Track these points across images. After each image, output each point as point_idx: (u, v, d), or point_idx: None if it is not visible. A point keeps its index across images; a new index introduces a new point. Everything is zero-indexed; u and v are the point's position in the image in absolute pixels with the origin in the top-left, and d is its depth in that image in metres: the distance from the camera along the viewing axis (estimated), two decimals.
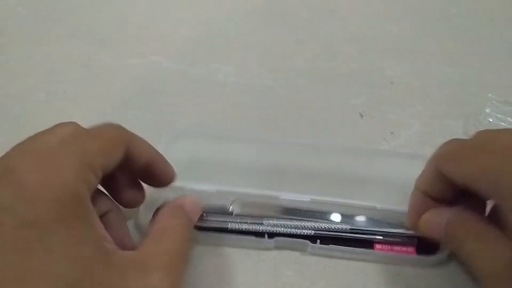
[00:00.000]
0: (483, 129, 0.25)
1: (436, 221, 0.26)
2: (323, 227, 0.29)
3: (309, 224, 0.29)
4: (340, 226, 0.29)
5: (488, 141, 0.23)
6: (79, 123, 0.23)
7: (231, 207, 0.30)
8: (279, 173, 0.33)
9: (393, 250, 0.29)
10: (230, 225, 0.29)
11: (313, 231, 0.29)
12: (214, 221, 0.29)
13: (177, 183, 0.27)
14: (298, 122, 0.38)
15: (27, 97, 0.39)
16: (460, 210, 0.25)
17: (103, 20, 0.49)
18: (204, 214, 0.29)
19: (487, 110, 0.38)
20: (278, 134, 0.37)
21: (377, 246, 0.29)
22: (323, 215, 0.30)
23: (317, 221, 0.29)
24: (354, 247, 0.29)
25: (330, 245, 0.29)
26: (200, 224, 0.29)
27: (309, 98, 0.41)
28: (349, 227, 0.29)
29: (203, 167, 0.33)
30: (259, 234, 0.29)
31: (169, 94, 0.40)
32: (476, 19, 0.51)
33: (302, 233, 0.29)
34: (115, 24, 0.49)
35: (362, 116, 0.38)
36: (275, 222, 0.29)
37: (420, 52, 0.47)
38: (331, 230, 0.29)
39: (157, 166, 0.25)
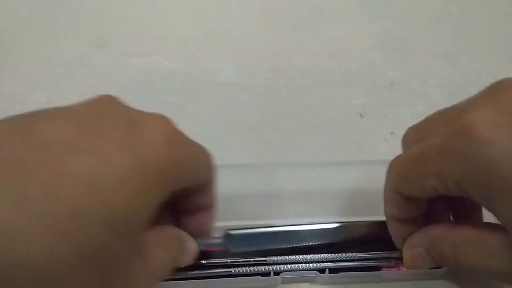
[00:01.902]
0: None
1: (416, 253, 0.24)
2: (330, 258, 0.28)
3: (315, 256, 0.28)
4: (347, 255, 0.28)
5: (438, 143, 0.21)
6: None
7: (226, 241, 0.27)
8: (272, 197, 0.32)
9: (400, 269, 0.28)
10: (234, 270, 0.28)
11: (321, 263, 0.28)
12: (216, 265, 0.28)
13: None
14: (298, 122, 0.38)
15: (27, 97, 0.39)
16: (428, 230, 0.24)
17: (103, 20, 0.49)
18: (203, 262, 0.27)
19: None
20: (278, 135, 0.37)
21: (384, 269, 0.28)
22: (325, 239, 0.28)
23: (321, 251, 0.28)
24: (362, 271, 0.28)
25: (340, 273, 0.28)
26: (202, 272, 0.27)
27: (309, 98, 0.41)
28: (356, 254, 0.28)
29: None
30: (264, 273, 0.28)
31: (169, 94, 0.40)
32: (476, 19, 0.51)
33: (309, 267, 0.28)
34: (115, 24, 0.49)
35: (362, 116, 0.38)
36: (279, 258, 0.28)
37: (420, 52, 0.47)
38: (338, 260, 0.28)
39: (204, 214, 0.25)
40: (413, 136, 0.25)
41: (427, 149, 0.22)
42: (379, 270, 0.28)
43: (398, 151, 0.27)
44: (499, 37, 0.49)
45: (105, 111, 0.20)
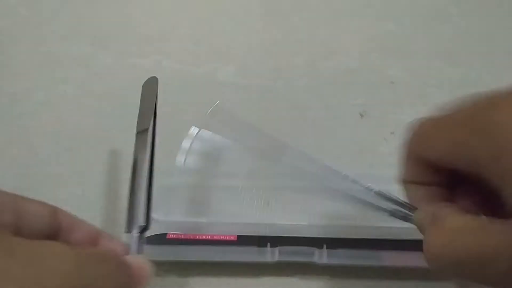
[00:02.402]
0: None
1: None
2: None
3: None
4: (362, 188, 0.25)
5: (466, 116, 0.20)
6: (79, 123, 0.23)
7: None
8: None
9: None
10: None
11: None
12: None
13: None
14: (298, 122, 0.38)
15: (27, 97, 0.39)
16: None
17: (103, 20, 0.49)
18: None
19: None
20: (277, 135, 0.37)
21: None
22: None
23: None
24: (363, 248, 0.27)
25: (338, 249, 0.27)
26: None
27: (309, 98, 0.41)
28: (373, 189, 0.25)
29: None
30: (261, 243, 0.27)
31: (169, 94, 0.40)
32: (476, 19, 0.51)
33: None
34: (115, 24, 0.49)
35: (362, 116, 0.38)
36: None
37: (420, 52, 0.47)
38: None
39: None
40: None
41: (456, 118, 0.21)
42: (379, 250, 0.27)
43: (398, 151, 0.27)
44: (499, 37, 0.49)
45: None
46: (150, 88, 0.31)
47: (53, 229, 0.21)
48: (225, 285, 0.29)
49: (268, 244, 0.27)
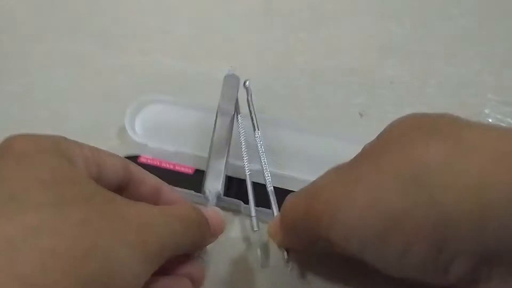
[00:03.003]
0: None
1: (275, 219, 0.26)
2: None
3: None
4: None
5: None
6: (79, 122, 0.23)
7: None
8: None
9: None
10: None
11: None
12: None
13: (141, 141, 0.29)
14: (298, 122, 0.38)
15: (27, 96, 0.39)
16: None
17: (103, 19, 0.49)
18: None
19: (487, 111, 0.38)
20: (277, 134, 0.37)
21: None
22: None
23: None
24: None
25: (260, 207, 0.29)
26: None
27: (309, 97, 0.41)
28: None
29: (164, 130, 0.35)
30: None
31: (169, 93, 0.40)
32: (476, 19, 0.51)
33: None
34: (115, 23, 0.49)
35: (362, 116, 0.38)
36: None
37: (420, 52, 0.47)
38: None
39: (164, 194, 0.25)
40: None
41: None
42: None
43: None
44: (499, 37, 0.49)
45: None
46: (232, 81, 0.34)
47: (125, 180, 0.23)
48: None
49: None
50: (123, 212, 0.19)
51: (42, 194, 0.17)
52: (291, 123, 0.36)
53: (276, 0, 0.54)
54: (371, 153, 0.22)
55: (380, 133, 0.24)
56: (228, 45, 0.46)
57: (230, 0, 0.53)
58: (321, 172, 0.24)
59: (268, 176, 0.29)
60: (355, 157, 0.23)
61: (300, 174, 0.31)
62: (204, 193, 0.28)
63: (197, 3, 0.52)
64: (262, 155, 0.30)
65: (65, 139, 0.21)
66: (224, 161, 0.29)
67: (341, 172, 0.23)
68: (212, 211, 0.24)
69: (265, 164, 0.30)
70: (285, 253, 0.26)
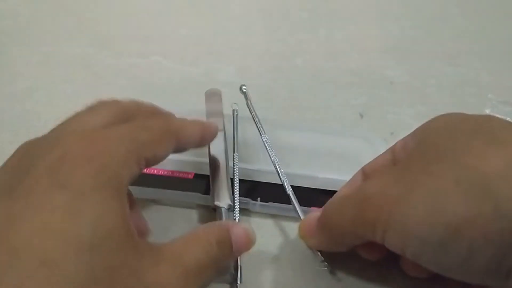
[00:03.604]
0: None
1: (311, 219, 0.26)
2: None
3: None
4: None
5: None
6: None
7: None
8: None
9: None
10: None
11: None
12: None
13: None
14: (298, 122, 0.38)
15: (27, 97, 0.39)
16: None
17: (103, 20, 0.49)
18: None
19: (487, 111, 0.38)
20: (277, 134, 0.37)
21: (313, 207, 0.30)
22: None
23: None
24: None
25: (269, 203, 0.30)
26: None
27: (309, 98, 0.41)
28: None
29: None
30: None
31: (169, 94, 0.40)
32: (476, 19, 0.51)
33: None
34: (115, 24, 0.49)
35: (362, 116, 0.38)
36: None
37: (420, 52, 0.47)
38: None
39: (205, 141, 0.27)
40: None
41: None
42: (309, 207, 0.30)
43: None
44: (499, 37, 0.49)
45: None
46: (214, 96, 0.35)
47: (201, 144, 0.26)
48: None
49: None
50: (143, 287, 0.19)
51: (74, 264, 0.17)
52: (286, 122, 0.37)
53: (276, 2, 0.54)
54: (422, 157, 0.22)
55: (419, 131, 0.24)
56: (228, 47, 0.46)
57: (230, 2, 0.53)
58: (324, 166, 0.25)
59: (286, 180, 0.29)
60: (405, 161, 0.24)
61: (303, 171, 0.32)
62: (216, 210, 0.28)
63: (197, 5, 0.52)
64: (274, 158, 0.30)
65: (136, 153, 0.22)
66: (226, 173, 0.30)
67: (391, 177, 0.22)
68: (242, 231, 0.24)
69: (279, 166, 0.30)
70: (319, 253, 0.26)
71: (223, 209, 0.28)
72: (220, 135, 0.30)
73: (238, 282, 0.25)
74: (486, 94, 0.41)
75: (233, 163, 0.31)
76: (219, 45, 0.47)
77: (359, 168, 0.28)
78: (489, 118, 0.22)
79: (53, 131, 0.22)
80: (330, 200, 0.26)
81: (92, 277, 0.17)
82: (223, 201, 0.28)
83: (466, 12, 0.52)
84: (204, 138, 0.27)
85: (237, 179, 0.30)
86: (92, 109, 0.23)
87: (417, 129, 0.25)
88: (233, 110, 0.34)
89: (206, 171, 0.30)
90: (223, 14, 0.51)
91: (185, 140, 0.25)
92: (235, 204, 0.29)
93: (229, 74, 0.43)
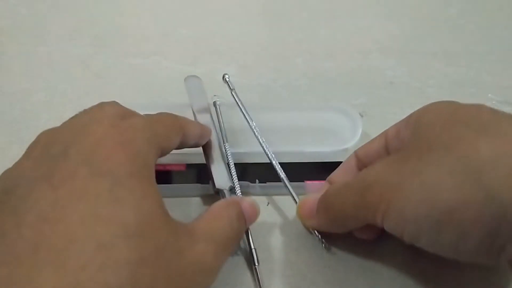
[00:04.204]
0: None
1: (310, 201, 0.28)
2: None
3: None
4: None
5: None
6: None
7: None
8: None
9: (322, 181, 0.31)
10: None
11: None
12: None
13: None
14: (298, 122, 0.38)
15: (27, 97, 0.39)
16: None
17: (103, 20, 0.49)
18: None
19: None
20: (277, 134, 0.37)
21: (307, 181, 0.32)
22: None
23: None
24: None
25: (268, 183, 0.31)
26: None
27: (309, 98, 0.41)
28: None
29: None
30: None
31: (169, 94, 0.40)
32: (476, 19, 0.51)
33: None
34: (115, 24, 0.49)
35: (362, 116, 0.38)
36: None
37: (420, 52, 0.47)
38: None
39: (202, 141, 0.29)
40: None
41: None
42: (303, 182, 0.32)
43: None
44: (499, 37, 0.49)
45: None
46: (194, 82, 0.36)
47: (199, 143, 0.29)
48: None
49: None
50: (183, 267, 0.20)
51: (125, 248, 0.18)
52: (266, 104, 0.39)
53: (276, 1, 0.54)
54: (417, 148, 0.24)
55: (412, 119, 0.26)
56: (227, 47, 0.46)
57: (229, 2, 0.53)
58: (308, 141, 0.32)
59: (277, 163, 0.31)
60: (401, 150, 0.25)
61: (290, 148, 0.34)
62: (219, 192, 0.30)
63: (196, 5, 0.52)
64: (265, 145, 0.31)
65: (157, 145, 0.23)
66: (221, 157, 0.31)
67: (390, 167, 0.24)
68: (248, 204, 0.26)
69: (268, 150, 0.31)
70: (316, 232, 0.28)
71: (225, 191, 0.29)
72: (208, 122, 0.32)
73: (256, 264, 0.27)
74: (486, 94, 0.41)
75: (226, 152, 0.32)
76: (219, 45, 0.47)
77: (338, 138, 0.32)
78: (479, 108, 0.24)
79: (72, 121, 0.23)
80: (332, 186, 0.28)
81: (142, 260, 0.18)
82: (224, 184, 0.29)
83: (465, 12, 0.52)
84: (202, 137, 0.29)
85: (233, 165, 0.31)
86: (100, 105, 0.24)
87: (409, 116, 0.26)
88: (214, 102, 0.35)
89: (197, 160, 0.32)
90: (223, 14, 0.51)
91: (189, 136, 0.27)
92: (236, 189, 0.30)
93: (229, 74, 0.43)
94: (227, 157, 0.31)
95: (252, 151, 0.33)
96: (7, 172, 0.21)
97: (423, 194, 0.21)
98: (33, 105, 0.39)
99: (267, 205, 0.32)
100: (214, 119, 0.34)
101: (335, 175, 0.30)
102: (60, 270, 0.16)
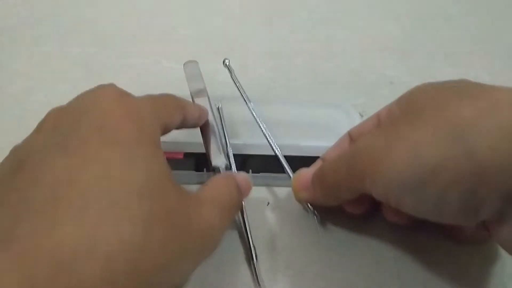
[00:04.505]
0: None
1: (304, 175, 0.29)
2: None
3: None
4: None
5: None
6: None
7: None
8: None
9: None
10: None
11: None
12: None
13: None
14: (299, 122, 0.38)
15: (27, 97, 0.39)
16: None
17: (103, 20, 0.49)
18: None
19: None
20: (277, 134, 0.37)
21: None
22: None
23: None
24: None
25: (260, 173, 0.32)
26: None
27: (309, 98, 0.41)
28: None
29: None
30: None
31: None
32: (476, 19, 0.51)
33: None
34: (115, 24, 0.49)
35: (362, 116, 0.38)
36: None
37: (420, 52, 0.47)
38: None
39: (200, 122, 0.30)
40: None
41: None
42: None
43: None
44: (499, 37, 0.49)
45: None
46: (193, 67, 0.37)
47: (197, 124, 0.30)
48: None
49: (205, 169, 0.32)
50: (192, 225, 0.21)
51: (136, 206, 0.19)
52: (264, 98, 0.39)
53: (276, 2, 0.54)
54: (406, 115, 0.25)
55: (403, 98, 0.27)
56: (227, 47, 0.46)
57: (230, 2, 0.53)
58: (304, 135, 0.32)
59: (273, 141, 0.32)
60: (392, 112, 0.27)
61: (287, 141, 0.34)
62: (214, 169, 0.31)
63: (196, 5, 0.52)
64: (261, 124, 0.33)
65: (160, 116, 0.25)
66: (218, 137, 0.32)
67: (379, 134, 0.25)
68: (243, 178, 0.27)
69: (266, 131, 0.32)
70: (309, 205, 0.29)
71: (221, 169, 0.30)
72: (206, 104, 0.33)
73: (255, 260, 0.28)
74: None
75: (228, 156, 0.33)
76: (219, 45, 0.47)
77: (336, 133, 0.32)
78: (464, 80, 0.25)
79: (78, 99, 0.24)
80: (326, 160, 0.29)
81: (153, 218, 0.19)
82: (220, 161, 0.31)
83: (466, 12, 0.52)
84: (200, 118, 0.30)
85: (233, 162, 0.32)
86: (100, 86, 0.25)
87: (400, 96, 0.27)
88: (218, 108, 0.37)
89: (194, 149, 0.33)
90: (223, 14, 0.51)
91: (188, 116, 0.28)
92: (232, 166, 0.32)
93: (228, 74, 0.43)
94: (229, 158, 0.33)
95: (250, 143, 0.34)
96: (18, 146, 0.22)
97: (408, 154, 0.22)
98: (33, 105, 0.39)
99: (267, 204, 0.32)
100: (214, 111, 0.35)
101: (329, 153, 0.31)
102: (79, 225, 0.17)
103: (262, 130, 0.32)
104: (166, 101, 0.27)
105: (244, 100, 0.34)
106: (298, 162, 0.33)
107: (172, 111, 0.26)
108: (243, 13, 0.51)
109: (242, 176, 0.27)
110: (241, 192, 0.26)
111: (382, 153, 0.24)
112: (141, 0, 0.53)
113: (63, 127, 0.21)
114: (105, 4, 0.51)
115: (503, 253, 0.29)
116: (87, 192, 0.18)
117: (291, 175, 0.30)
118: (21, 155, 0.20)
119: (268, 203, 0.32)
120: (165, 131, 0.26)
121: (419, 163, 0.22)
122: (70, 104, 0.23)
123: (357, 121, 0.36)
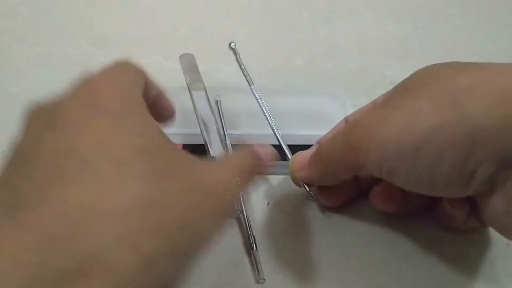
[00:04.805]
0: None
1: (302, 156, 0.29)
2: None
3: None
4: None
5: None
6: None
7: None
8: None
9: None
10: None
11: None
12: None
13: None
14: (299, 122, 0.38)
15: (27, 97, 0.39)
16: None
17: (103, 20, 0.49)
18: None
19: None
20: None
21: None
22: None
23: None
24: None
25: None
26: None
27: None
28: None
29: None
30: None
31: (168, 94, 0.40)
32: (476, 19, 0.51)
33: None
34: (115, 24, 0.49)
35: None
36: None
37: (420, 52, 0.47)
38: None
39: (161, 101, 0.30)
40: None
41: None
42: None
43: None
44: (499, 37, 0.49)
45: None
46: (188, 59, 0.37)
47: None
48: None
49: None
50: (202, 180, 0.20)
51: (139, 163, 0.18)
52: (261, 88, 0.38)
53: (276, 1, 0.54)
54: (405, 88, 0.26)
55: (399, 83, 0.27)
56: (227, 47, 0.46)
57: (230, 2, 0.53)
58: (301, 124, 0.34)
59: (273, 122, 0.33)
60: (388, 93, 0.28)
61: (283, 130, 0.34)
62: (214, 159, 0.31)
63: (196, 4, 0.52)
64: (262, 104, 0.34)
65: (139, 84, 0.25)
66: (215, 127, 0.32)
67: (375, 106, 0.26)
68: (264, 147, 0.26)
69: (266, 111, 0.33)
70: (305, 185, 0.30)
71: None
72: (202, 95, 0.34)
73: (254, 249, 0.28)
74: None
75: (226, 146, 0.33)
76: (219, 45, 0.47)
77: (331, 122, 0.32)
78: (461, 62, 0.27)
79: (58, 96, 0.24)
80: (323, 140, 0.30)
81: (158, 173, 0.18)
82: (217, 151, 0.31)
83: (466, 12, 0.52)
84: (161, 97, 0.30)
85: (229, 140, 0.34)
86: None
87: (397, 84, 0.28)
88: (216, 101, 0.37)
89: (194, 140, 0.34)
90: (222, 14, 0.51)
91: (149, 86, 0.28)
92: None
93: (229, 74, 0.43)
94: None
95: (247, 133, 0.35)
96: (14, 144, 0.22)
97: (404, 121, 0.23)
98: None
99: (267, 205, 0.32)
100: (213, 106, 0.36)
101: (325, 138, 0.31)
102: (85, 187, 0.17)
103: (262, 109, 0.33)
104: (130, 66, 0.28)
105: (247, 82, 0.35)
106: (294, 150, 0.33)
107: (139, 76, 0.27)
108: (243, 13, 0.51)
109: (267, 146, 0.26)
110: (260, 158, 0.25)
111: (377, 125, 0.24)
112: (141, 0, 0.53)
113: (46, 113, 0.21)
114: (105, 4, 0.51)
115: (503, 253, 0.29)
116: (85, 157, 0.18)
117: (289, 156, 0.31)
118: (14, 146, 0.21)
119: (268, 203, 0.32)
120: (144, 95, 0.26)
121: (414, 128, 0.22)
122: (52, 98, 0.24)
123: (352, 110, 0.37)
